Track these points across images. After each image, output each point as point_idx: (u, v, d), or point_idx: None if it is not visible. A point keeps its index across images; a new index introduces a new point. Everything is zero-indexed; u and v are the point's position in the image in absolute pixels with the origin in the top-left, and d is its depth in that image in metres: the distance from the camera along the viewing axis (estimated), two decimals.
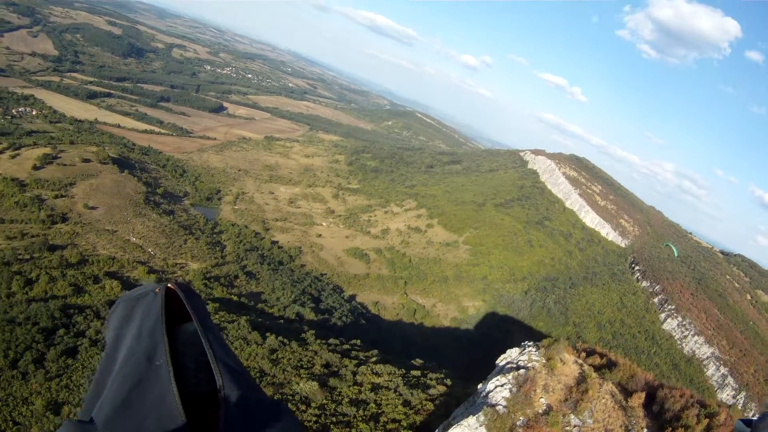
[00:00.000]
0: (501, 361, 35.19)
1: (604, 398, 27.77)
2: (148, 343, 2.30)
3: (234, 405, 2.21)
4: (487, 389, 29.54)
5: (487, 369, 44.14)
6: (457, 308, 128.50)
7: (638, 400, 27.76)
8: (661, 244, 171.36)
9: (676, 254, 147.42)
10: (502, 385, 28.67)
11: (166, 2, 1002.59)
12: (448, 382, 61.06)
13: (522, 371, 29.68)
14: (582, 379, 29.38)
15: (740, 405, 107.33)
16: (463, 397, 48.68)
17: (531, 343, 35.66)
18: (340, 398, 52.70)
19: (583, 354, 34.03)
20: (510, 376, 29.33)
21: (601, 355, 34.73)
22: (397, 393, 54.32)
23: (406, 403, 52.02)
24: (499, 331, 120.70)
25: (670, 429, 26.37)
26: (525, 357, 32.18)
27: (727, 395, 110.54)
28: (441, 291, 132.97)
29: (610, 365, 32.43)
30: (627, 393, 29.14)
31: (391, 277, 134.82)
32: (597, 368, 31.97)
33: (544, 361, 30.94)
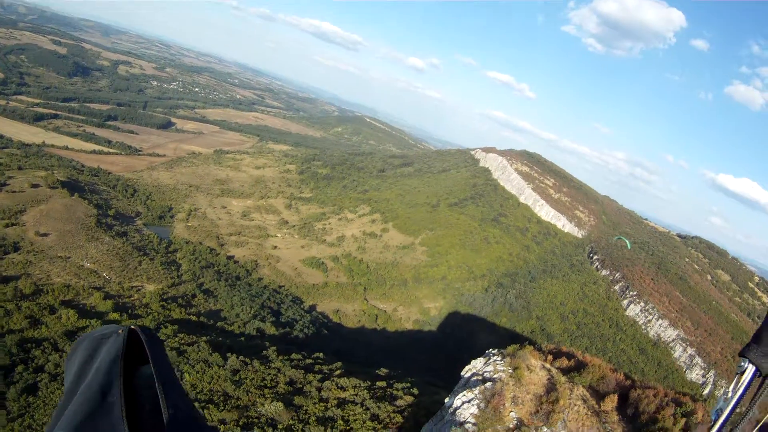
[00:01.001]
0: (466, 372, 33.90)
1: (576, 405, 26.66)
2: (104, 379, 2.33)
3: None
4: (455, 405, 28.19)
5: (452, 370, 42.90)
6: (418, 310, 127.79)
7: (611, 403, 26.78)
8: (618, 232, 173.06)
9: (629, 246, 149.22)
10: (469, 401, 27.33)
11: (111, 18, 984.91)
12: (415, 391, 59.84)
13: (489, 384, 28.40)
14: (552, 387, 28.24)
15: (711, 383, 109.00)
16: (431, 406, 47.48)
17: (495, 351, 34.44)
18: (306, 417, 50.98)
19: (550, 357, 33.02)
20: (477, 390, 28.02)
21: (569, 356, 33.82)
22: (364, 407, 52.78)
23: (374, 417, 50.54)
24: (463, 330, 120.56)
25: None
26: (491, 368, 30.94)
27: (697, 375, 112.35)
28: (401, 294, 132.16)
29: (579, 367, 31.49)
30: (599, 396, 28.16)
31: (349, 284, 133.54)
32: (566, 371, 30.97)
33: (510, 371, 29.70)
